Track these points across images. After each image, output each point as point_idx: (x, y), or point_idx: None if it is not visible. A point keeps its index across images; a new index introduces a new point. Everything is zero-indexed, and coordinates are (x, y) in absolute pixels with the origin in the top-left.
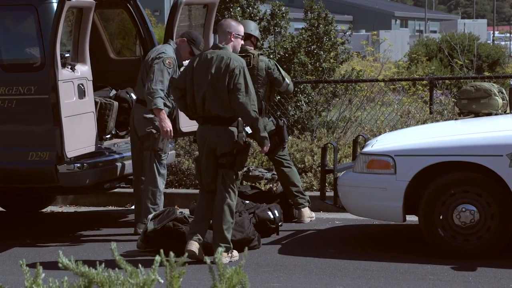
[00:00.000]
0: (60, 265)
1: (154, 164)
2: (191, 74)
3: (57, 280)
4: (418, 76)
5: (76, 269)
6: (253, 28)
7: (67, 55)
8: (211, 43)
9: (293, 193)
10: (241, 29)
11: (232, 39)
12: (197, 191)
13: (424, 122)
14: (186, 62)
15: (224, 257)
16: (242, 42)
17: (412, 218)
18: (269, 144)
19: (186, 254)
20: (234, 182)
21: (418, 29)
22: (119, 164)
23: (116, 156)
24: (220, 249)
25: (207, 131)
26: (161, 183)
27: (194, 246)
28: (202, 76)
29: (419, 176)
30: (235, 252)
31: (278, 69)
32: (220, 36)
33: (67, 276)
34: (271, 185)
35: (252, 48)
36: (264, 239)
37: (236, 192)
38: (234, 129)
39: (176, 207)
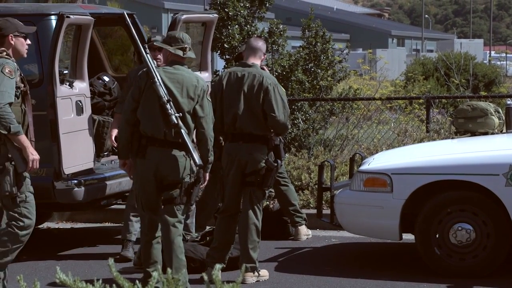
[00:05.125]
0: (57, 281)
1: None
2: (221, 92)
3: None
4: (414, 95)
5: (74, 285)
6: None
7: (66, 71)
8: (209, 61)
9: (290, 211)
10: (263, 47)
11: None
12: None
13: (421, 140)
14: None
15: (250, 276)
16: (263, 57)
17: (408, 237)
18: None
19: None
20: (260, 201)
21: (415, 48)
22: (116, 181)
23: (113, 173)
24: (243, 268)
25: (238, 148)
26: None
27: None
28: (233, 94)
29: (416, 194)
30: (263, 272)
31: None
32: (248, 53)
33: None
34: (267, 202)
35: None
36: (260, 257)
37: (261, 211)
38: (265, 147)
39: None
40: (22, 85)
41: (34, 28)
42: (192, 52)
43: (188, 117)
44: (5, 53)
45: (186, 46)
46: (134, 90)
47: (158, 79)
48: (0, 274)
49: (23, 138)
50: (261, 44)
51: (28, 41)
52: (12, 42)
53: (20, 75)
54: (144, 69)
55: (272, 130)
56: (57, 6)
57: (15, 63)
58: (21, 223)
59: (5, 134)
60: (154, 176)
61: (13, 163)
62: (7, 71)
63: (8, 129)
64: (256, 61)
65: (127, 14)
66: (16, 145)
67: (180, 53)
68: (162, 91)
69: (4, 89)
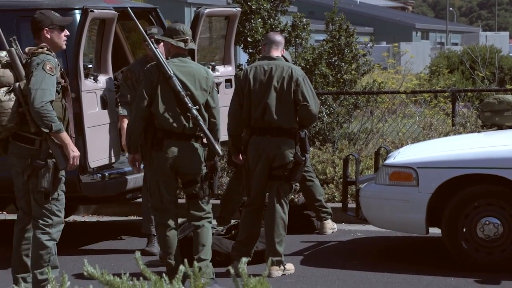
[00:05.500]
0: (85, 273)
1: None
2: (248, 86)
3: None
4: (439, 88)
5: (101, 277)
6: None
7: (90, 66)
8: (233, 55)
9: (315, 207)
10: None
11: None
12: (216, 200)
13: (447, 134)
14: None
15: (275, 270)
16: (283, 51)
17: (434, 231)
18: None
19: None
20: (287, 195)
21: (440, 41)
22: (140, 175)
23: None
24: (269, 262)
25: (266, 142)
26: None
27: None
28: (262, 88)
29: (442, 188)
30: (289, 265)
31: None
32: (269, 47)
33: (92, 285)
34: (292, 196)
35: None
36: (285, 250)
37: (288, 205)
38: (292, 141)
39: None
40: (63, 80)
41: (70, 19)
42: (193, 43)
43: (203, 108)
44: (46, 48)
45: (187, 37)
46: (146, 86)
47: (173, 74)
48: (55, 272)
49: (64, 135)
50: (281, 38)
51: (67, 32)
52: (48, 36)
53: (61, 70)
54: (152, 63)
55: (300, 122)
56: (81, 0)
57: (55, 58)
58: (50, 221)
59: (47, 132)
60: (171, 168)
61: (53, 159)
62: (48, 68)
63: (49, 128)
64: (278, 54)
65: (151, 8)
66: (57, 142)
67: (182, 45)
68: (179, 86)
69: (46, 87)
